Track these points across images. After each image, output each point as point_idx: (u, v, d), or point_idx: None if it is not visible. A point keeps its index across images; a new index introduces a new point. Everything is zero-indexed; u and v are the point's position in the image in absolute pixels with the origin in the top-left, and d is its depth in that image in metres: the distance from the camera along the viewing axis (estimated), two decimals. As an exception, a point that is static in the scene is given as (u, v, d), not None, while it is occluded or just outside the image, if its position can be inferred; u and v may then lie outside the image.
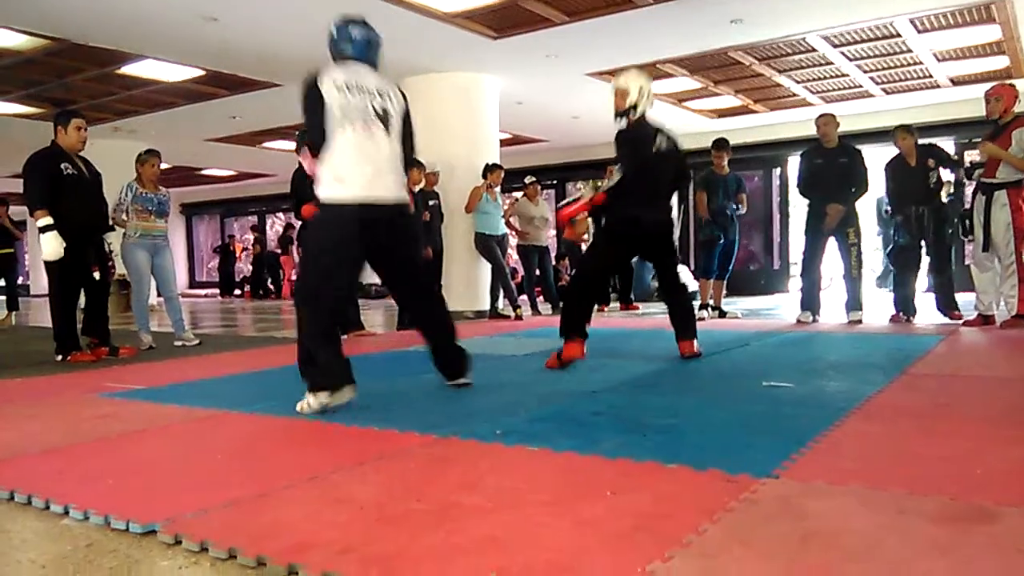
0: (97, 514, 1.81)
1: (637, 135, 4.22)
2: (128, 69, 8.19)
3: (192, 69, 8.30)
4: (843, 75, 9.21)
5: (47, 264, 4.89)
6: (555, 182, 14.53)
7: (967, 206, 6.14)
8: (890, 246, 6.56)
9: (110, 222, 5.47)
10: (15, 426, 2.98)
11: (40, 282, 19.56)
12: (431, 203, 7.50)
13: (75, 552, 1.64)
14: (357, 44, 3.34)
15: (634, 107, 4.19)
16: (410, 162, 3.46)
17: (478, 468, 2.16)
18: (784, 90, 9.93)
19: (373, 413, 2.94)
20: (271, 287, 16.87)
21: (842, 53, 8.29)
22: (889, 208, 6.44)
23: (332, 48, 3.39)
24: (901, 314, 6.25)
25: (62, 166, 4.93)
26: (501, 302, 8.25)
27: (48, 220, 4.75)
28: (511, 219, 8.53)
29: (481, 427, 2.64)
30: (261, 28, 6.98)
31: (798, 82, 9.54)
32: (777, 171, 12.67)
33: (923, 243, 6.12)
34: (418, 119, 9.52)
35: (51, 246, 4.76)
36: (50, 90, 8.93)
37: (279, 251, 16.80)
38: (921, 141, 6.32)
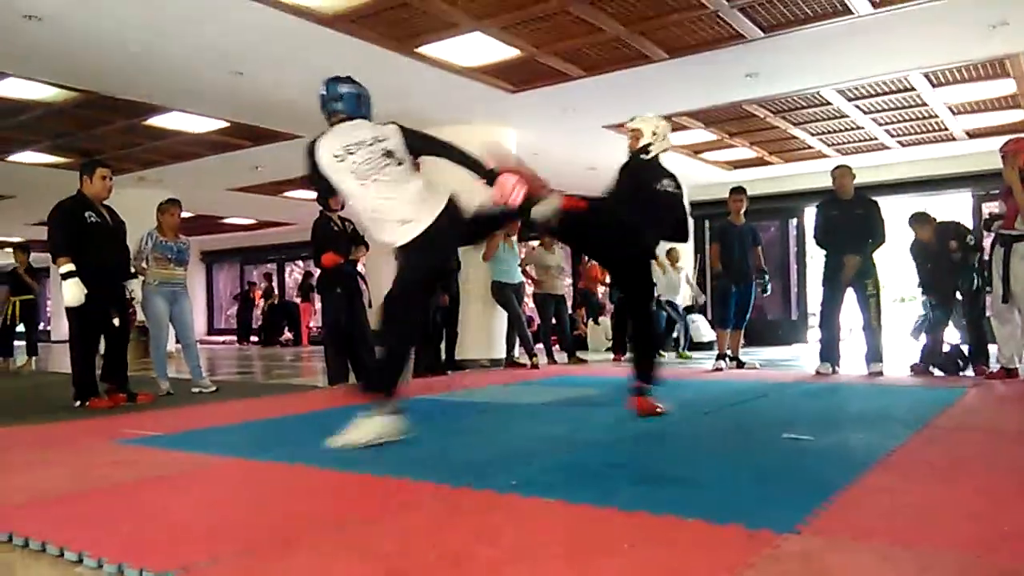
0: (111, 562, 1.80)
1: (639, 164, 4.22)
2: (155, 121, 8.40)
3: (217, 121, 8.50)
4: (858, 128, 9.27)
5: (68, 310, 4.95)
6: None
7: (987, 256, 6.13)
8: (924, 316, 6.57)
9: (132, 269, 5.54)
10: (32, 472, 2.99)
11: (60, 328, 19.82)
12: (448, 252, 7.55)
13: (88, 600, 1.64)
14: (348, 101, 3.47)
15: (646, 148, 4.22)
16: (459, 158, 3.41)
17: (493, 519, 2.13)
18: (799, 142, 10.00)
19: (388, 461, 2.93)
20: (289, 334, 16.93)
21: (857, 106, 8.36)
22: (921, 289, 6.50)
23: (324, 109, 3.52)
24: (922, 364, 6.18)
25: (86, 214, 5.02)
26: (517, 350, 8.23)
27: (70, 267, 4.82)
28: (527, 267, 8.57)
29: (496, 477, 2.61)
30: (285, 82, 7.16)
31: (813, 135, 9.61)
32: (793, 222, 12.68)
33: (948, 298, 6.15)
34: (437, 171, 9.64)
35: (72, 292, 4.82)
36: (78, 141, 9.16)
37: (299, 299, 16.89)
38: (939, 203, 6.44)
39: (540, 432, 3.73)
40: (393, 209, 3.32)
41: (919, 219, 6.35)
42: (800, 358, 8.88)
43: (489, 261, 8.04)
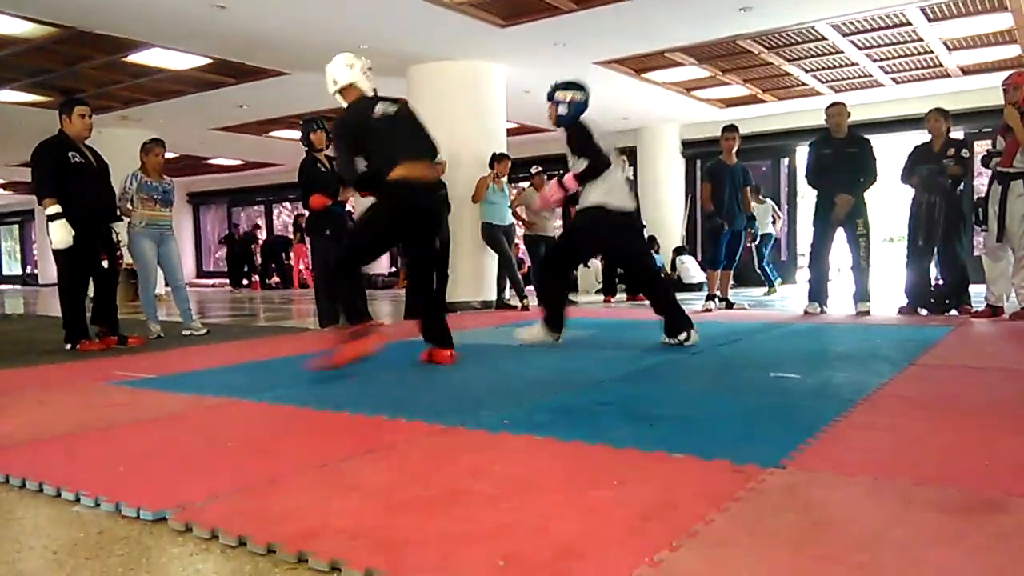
0: (108, 501, 1.83)
1: (346, 118, 3.93)
2: (135, 57, 8.19)
3: (199, 57, 8.30)
4: (853, 64, 9.16)
5: (56, 252, 4.91)
6: (562, 172, 14.49)
7: (979, 195, 6.11)
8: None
9: (117, 211, 5.48)
10: (26, 414, 3.00)
11: (49, 271, 19.72)
12: (438, 193, 7.49)
13: (86, 539, 1.66)
14: None
15: (340, 91, 3.96)
16: None
17: (486, 456, 2.17)
18: (793, 79, 9.88)
19: (381, 402, 2.96)
20: (277, 277, 16.86)
21: (852, 42, 8.23)
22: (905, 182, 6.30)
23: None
24: (909, 306, 6.22)
25: (69, 154, 4.93)
26: (508, 292, 8.25)
27: (57, 208, 4.76)
28: (518, 209, 8.53)
29: (488, 416, 2.65)
30: (268, 16, 6.97)
31: (807, 71, 9.49)
32: (785, 161, 12.63)
33: (934, 233, 6.06)
34: (424, 108, 9.60)
35: (59, 234, 4.77)
36: (57, 78, 8.94)
37: (292, 239, 16.71)
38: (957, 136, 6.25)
39: (530, 373, 3.76)
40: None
41: (941, 112, 6.17)
42: (789, 298, 8.95)
43: (479, 203, 8.00)
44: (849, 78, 9.83)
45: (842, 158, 6.15)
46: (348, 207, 6.32)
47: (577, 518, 1.64)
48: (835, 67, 9.32)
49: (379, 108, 3.82)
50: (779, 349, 4.46)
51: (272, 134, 12.89)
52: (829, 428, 2.38)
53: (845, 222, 6.18)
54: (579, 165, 4.51)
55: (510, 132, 9.97)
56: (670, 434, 2.35)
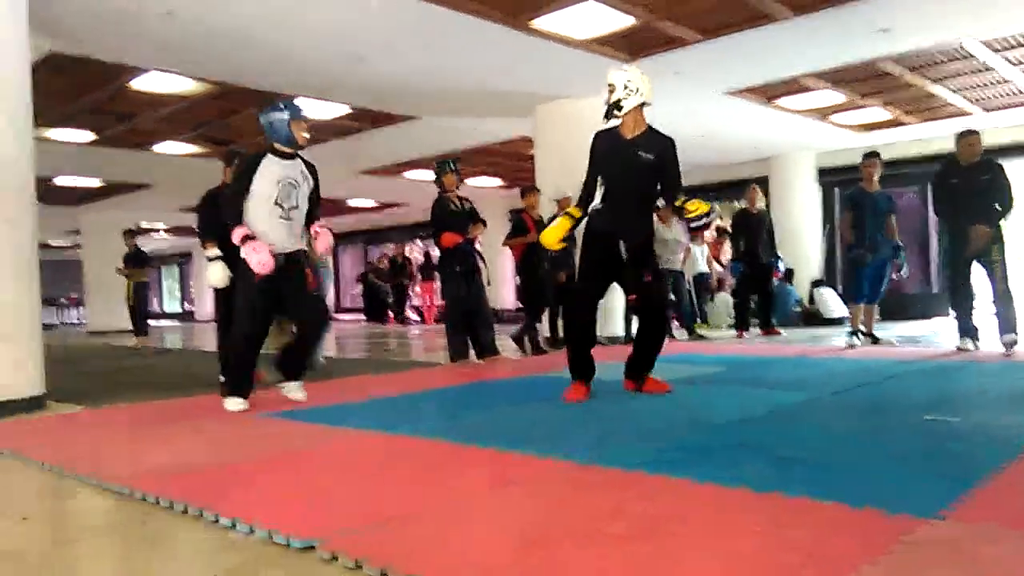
0: (261, 528, 1.94)
1: (600, 138, 4.12)
2: (283, 109, 8.80)
3: (341, 106, 8.81)
4: (1005, 82, 8.54)
5: (215, 291, 5.30)
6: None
7: None
8: None
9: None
10: (185, 442, 3.24)
11: (205, 308, 21.31)
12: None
13: (243, 564, 1.76)
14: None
15: (616, 105, 4.02)
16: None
17: (620, 496, 2.14)
18: (938, 100, 9.32)
19: (512, 437, 2.98)
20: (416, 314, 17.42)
21: (1004, 58, 7.69)
22: None
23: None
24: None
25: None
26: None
27: (216, 251, 5.14)
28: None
29: (621, 454, 2.62)
30: (403, 66, 7.32)
31: (954, 91, 8.93)
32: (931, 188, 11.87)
33: None
34: (551, 145, 9.59)
35: (218, 275, 5.13)
36: (214, 130, 9.73)
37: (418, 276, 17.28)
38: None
39: (663, 411, 3.69)
40: None
41: None
42: (940, 334, 8.35)
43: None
44: (1002, 95, 9.17)
45: (973, 186, 5.73)
46: (476, 245, 6.47)
47: (719, 565, 1.59)
48: (985, 85, 8.72)
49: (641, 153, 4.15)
50: (931, 389, 4.16)
51: (405, 175, 13.44)
52: (993, 477, 2.19)
53: (979, 253, 5.74)
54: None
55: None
56: (814, 478, 2.24)
